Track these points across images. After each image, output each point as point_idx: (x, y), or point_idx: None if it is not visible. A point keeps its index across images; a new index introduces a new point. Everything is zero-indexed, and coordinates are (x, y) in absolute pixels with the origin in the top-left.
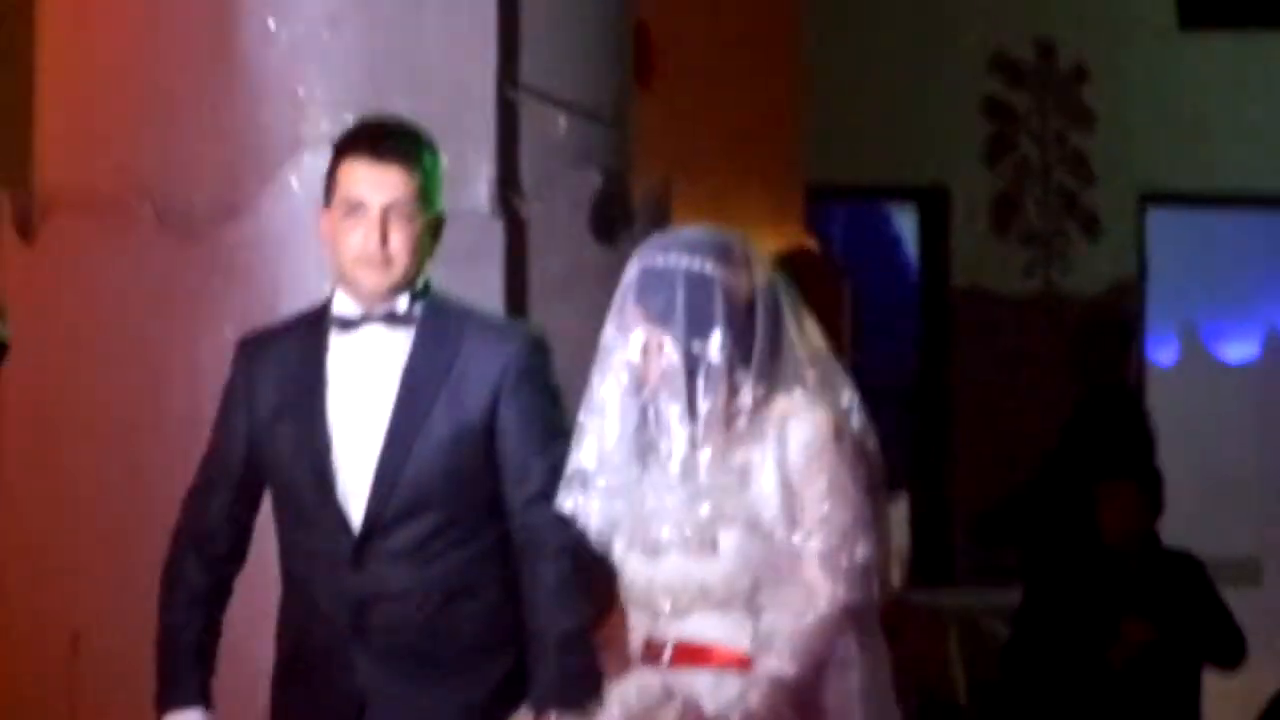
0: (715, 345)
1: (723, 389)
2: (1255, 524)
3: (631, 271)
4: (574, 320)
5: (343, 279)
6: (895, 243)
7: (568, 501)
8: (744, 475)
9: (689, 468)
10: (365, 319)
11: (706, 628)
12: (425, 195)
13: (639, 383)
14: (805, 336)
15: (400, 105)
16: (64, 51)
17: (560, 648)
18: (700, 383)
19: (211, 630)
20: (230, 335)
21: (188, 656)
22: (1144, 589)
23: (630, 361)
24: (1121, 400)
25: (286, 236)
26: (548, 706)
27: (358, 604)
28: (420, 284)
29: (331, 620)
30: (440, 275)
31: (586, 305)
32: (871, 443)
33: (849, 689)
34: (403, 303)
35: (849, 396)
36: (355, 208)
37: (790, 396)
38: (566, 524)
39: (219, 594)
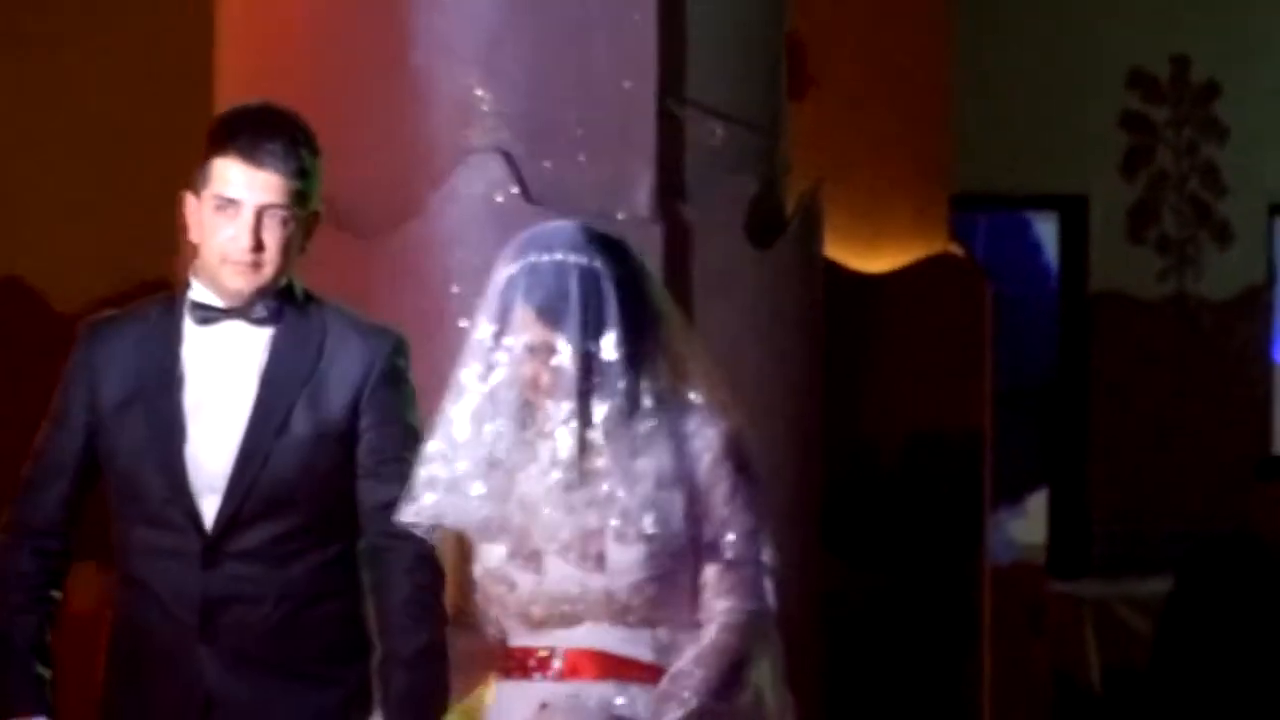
0: (611, 346)
1: (619, 392)
2: None
3: (513, 268)
4: (730, 318)
5: (205, 272)
6: (1035, 249)
7: (428, 498)
8: (638, 482)
9: (577, 474)
10: (226, 314)
11: (600, 638)
12: (302, 196)
13: (526, 385)
14: (694, 346)
15: (565, 114)
16: (243, 66)
17: (413, 664)
18: (595, 385)
19: (49, 630)
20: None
21: (28, 661)
22: None
23: (515, 361)
24: None
25: (454, 238)
26: None
27: (207, 605)
28: (284, 281)
29: (178, 620)
30: None
31: (741, 305)
32: (756, 464)
33: (754, 691)
34: (267, 304)
35: (738, 415)
36: (227, 205)
37: (686, 404)
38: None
39: (55, 591)
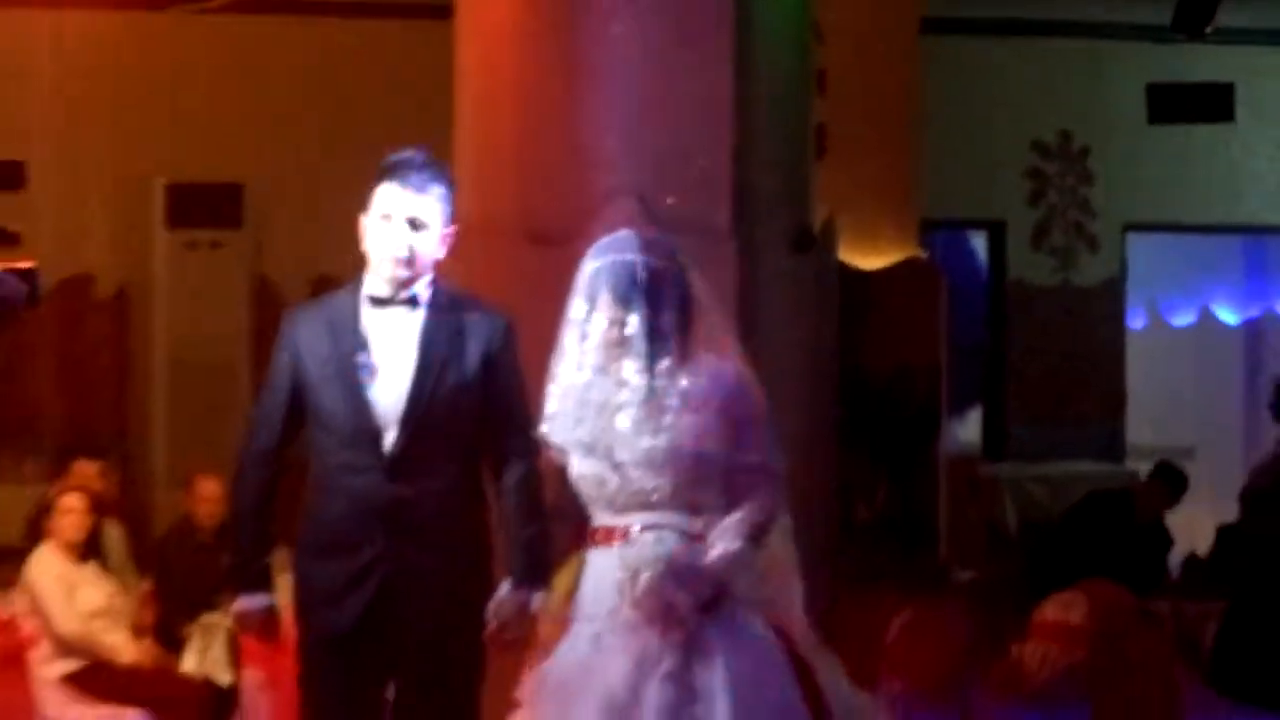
0: (664, 318)
1: (670, 350)
2: None
3: (597, 264)
4: (778, 301)
5: (373, 269)
6: (972, 255)
7: (545, 426)
8: (685, 413)
9: (645, 408)
10: (391, 300)
11: (662, 517)
12: (437, 213)
13: (608, 346)
14: (710, 316)
15: (672, 167)
16: (472, 112)
17: (528, 546)
18: (655, 345)
19: (269, 526)
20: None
21: (256, 551)
22: None
23: (600, 330)
24: None
25: None
26: (524, 585)
27: (388, 503)
28: (429, 275)
29: (365, 514)
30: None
31: (785, 292)
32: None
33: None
34: (417, 292)
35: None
36: (386, 218)
37: (709, 354)
38: (534, 450)
39: (271, 498)
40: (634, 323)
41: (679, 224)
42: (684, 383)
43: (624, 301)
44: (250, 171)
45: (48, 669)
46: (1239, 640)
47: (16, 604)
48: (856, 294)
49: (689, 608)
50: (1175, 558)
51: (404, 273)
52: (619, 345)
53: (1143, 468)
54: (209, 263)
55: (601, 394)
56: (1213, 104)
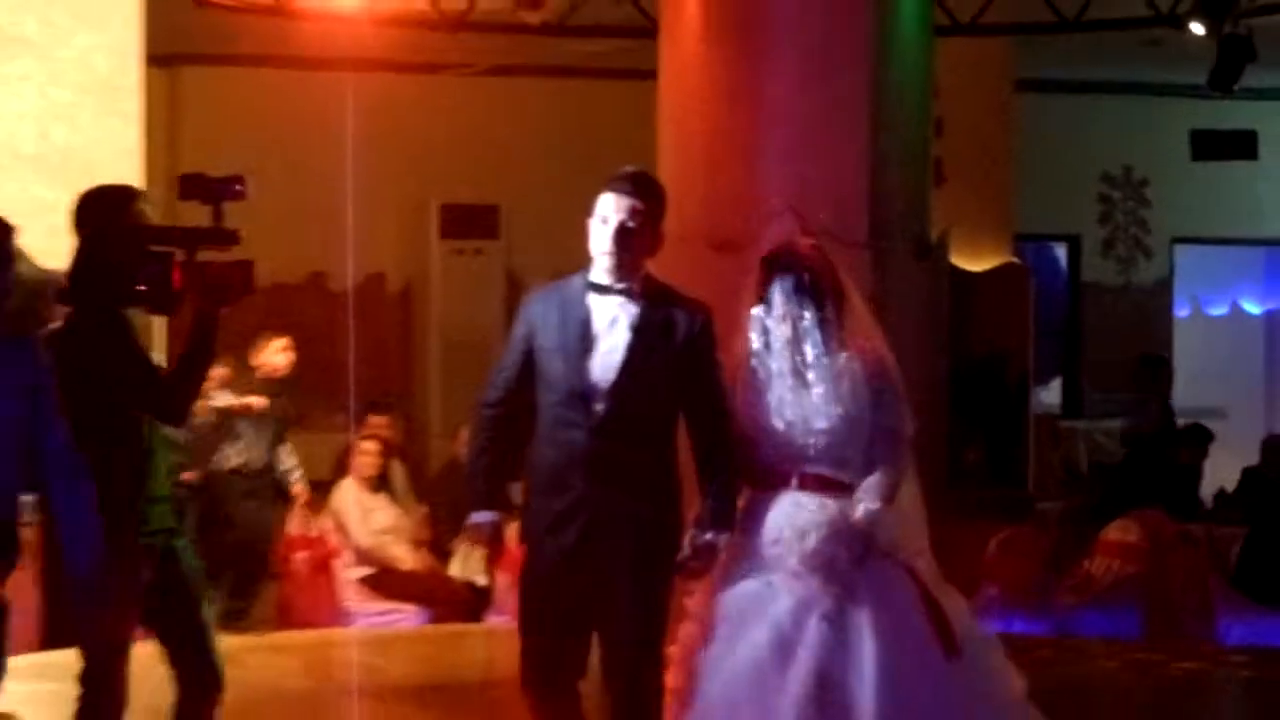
0: (831, 309)
1: (833, 337)
2: None
3: (775, 272)
4: (905, 296)
5: (595, 263)
6: (1055, 262)
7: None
8: (842, 380)
9: (819, 381)
10: (609, 289)
11: (819, 468)
12: (644, 216)
13: (787, 336)
14: (856, 307)
15: (821, 187)
16: (670, 146)
17: (719, 495)
18: (821, 334)
19: (503, 460)
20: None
21: (487, 476)
22: None
23: (777, 323)
24: None
25: None
26: (713, 528)
27: (592, 455)
28: (641, 270)
29: (573, 462)
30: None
31: (909, 289)
32: (898, 378)
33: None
34: (631, 284)
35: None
36: (603, 220)
37: (857, 337)
38: (726, 418)
39: (500, 439)
40: (808, 317)
41: (827, 235)
42: (843, 360)
43: (796, 299)
44: (505, 194)
45: (348, 573)
46: (1258, 556)
47: (325, 524)
48: (965, 291)
49: (846, 563)
50: (1209, 492)
51: (615, 265)
52: (795, 333)
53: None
54: (472, 265)
55: (783, 369)
56: (1241, 145)
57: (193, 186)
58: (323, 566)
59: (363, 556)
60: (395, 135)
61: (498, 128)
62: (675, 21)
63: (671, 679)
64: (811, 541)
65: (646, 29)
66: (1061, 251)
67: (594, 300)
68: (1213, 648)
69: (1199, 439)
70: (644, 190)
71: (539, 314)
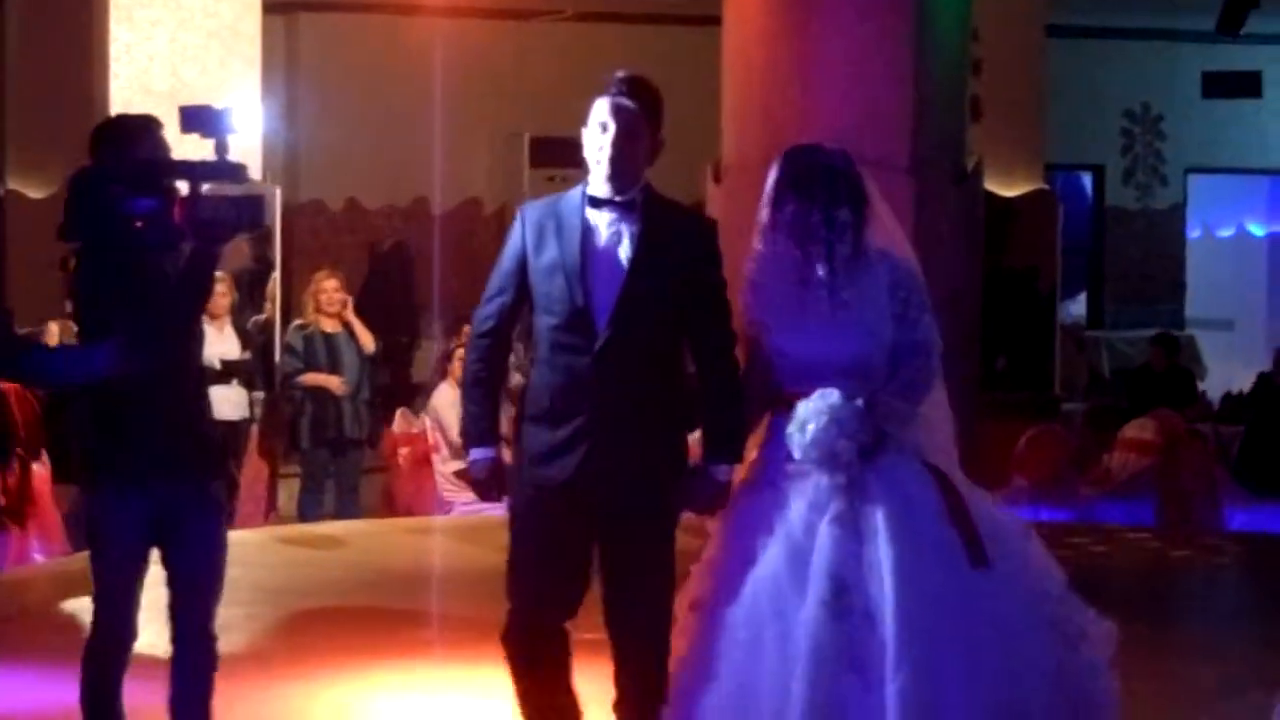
0: (844, 213)
1: (849, 238)
2: None
3: (787, 164)
4: (942, 217)
5: (592, 172)
6: (1081, 187)
7: (743, 304)
8: (863, 293)
9: (828, 289)
10: (608, 202)
11: (838, 384)
12: (645, 121)
13: (795, 234)
14: (882, 213)
15: (868, 116)
16: (731, 85)
17: (723, 423)
18: (833, 234)
19: (495, 392)
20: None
21: (482, 408)
22: None
23: (788, 221)
24: None
25: None
26: (715, 460)
27: (598, 378)
28: (642, 180)
29: (580, 386)
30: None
31: (947, 211)
32: (925, 291)
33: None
34: (630, 195)
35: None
36: (603, 127)
37: (881, 245)
38: (732, 340)
39: (498, 368)
40: (822, 218)
41: (873, 162)
42: (861, 267)
43: (808, 195)
44: None
45: (444, 467)
46: (1255, 451)
47: (425, 422)
48: (1000, 214)
49: (851, 454)
50: (1216, 395)
51: (615, 174)
52: (804, 233)
53: (1198, 334)
54: (560, 190)
55: (792, 275)
56: (1247, 85)
57: (194, 119)
58: (423, 460)
59: (457, 451)
60: (490, 75)
61: (582, 67)
62: None
63: (693, 594)
64: (810, 431)
65: None
66: (1087, 179)
67: (593, 214)
68: (1216, 535)
69: (1166, 347)
70: (640, 94)
71: (533, 230)
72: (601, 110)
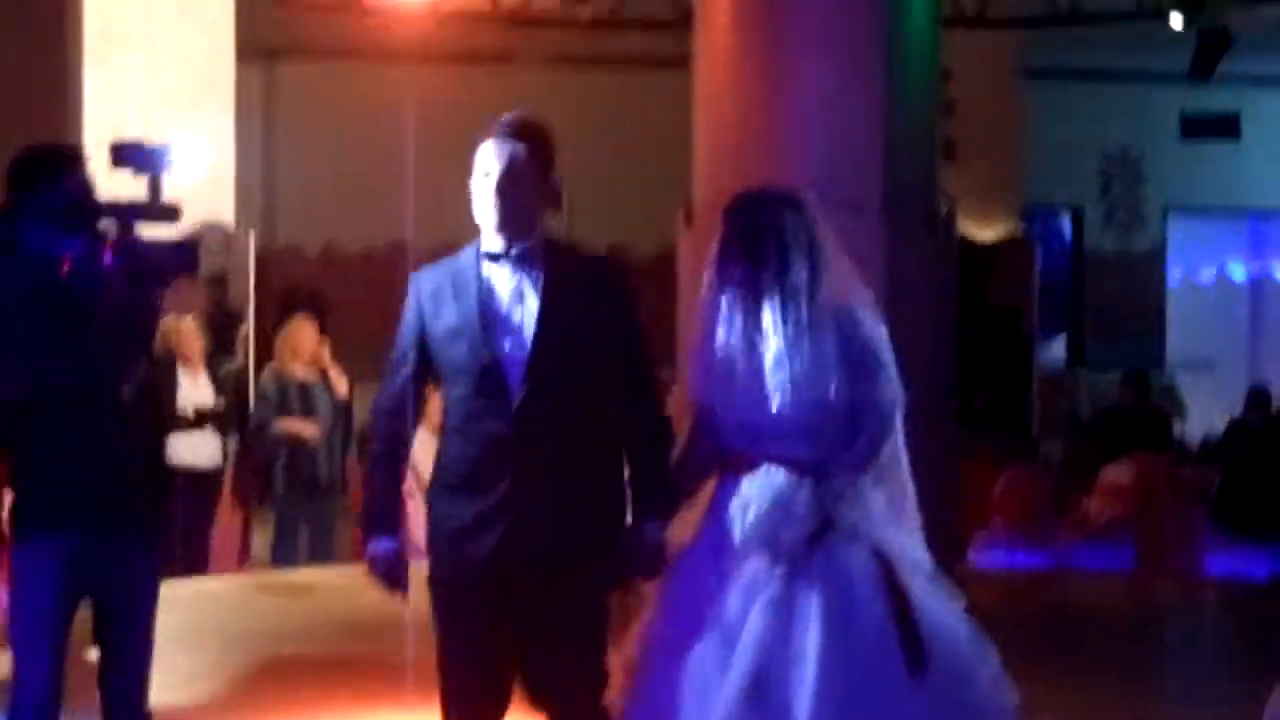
0: (797, 273)
1: (802, 300)
2: None
3: (737, 222)
4: (914, 265)
5: (485, 226)
6: (1060, 231)
7: (688, 369)
8: (814, 358)
9: (779, 356)
10: (504, 255)
11: (783, 448)
12: (534, 163)
13: (745, 296)
14: (837, 262)
15: (838, 158)
16: (704, 126)
17: (651, 479)
18: (786, 297)
19: (399, 473)
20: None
21: (386, 495)
22: None
23: (738, 283)
24: None
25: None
26: (646, 518)
27: (519, 442)
28: (539, 228)
29: (501, 452)
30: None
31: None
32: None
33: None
34: (530, 244)
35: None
36: (486, 173)
37: (835, 301)
38: (657, 389)
39: (402, 446)
40: (768, 277)
41: (842, 205)
42: (813, 330)
43: (758, 257)
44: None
45: (419, 513)
46: (1232, 494)
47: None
48: (977, 257)
49: (794, 540)
50: (1197, 434)
51: (505, 224)
52: (754, 297)
53: (1178, 374)
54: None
55: (740, 340)
56: (1225, 126)
57: (126, 155)
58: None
59: None
60: (463, 121)
61: (557, 112)
62: (707, 11)
63: (627, 654)
64: (753, 513)
65: (685, 22)
66: (1067, 221)
67: (491, 271)
68: (1195, 580)
69: (1137, 385)
70: (527, 134)
71: (429, 295)
72: (484, 156)
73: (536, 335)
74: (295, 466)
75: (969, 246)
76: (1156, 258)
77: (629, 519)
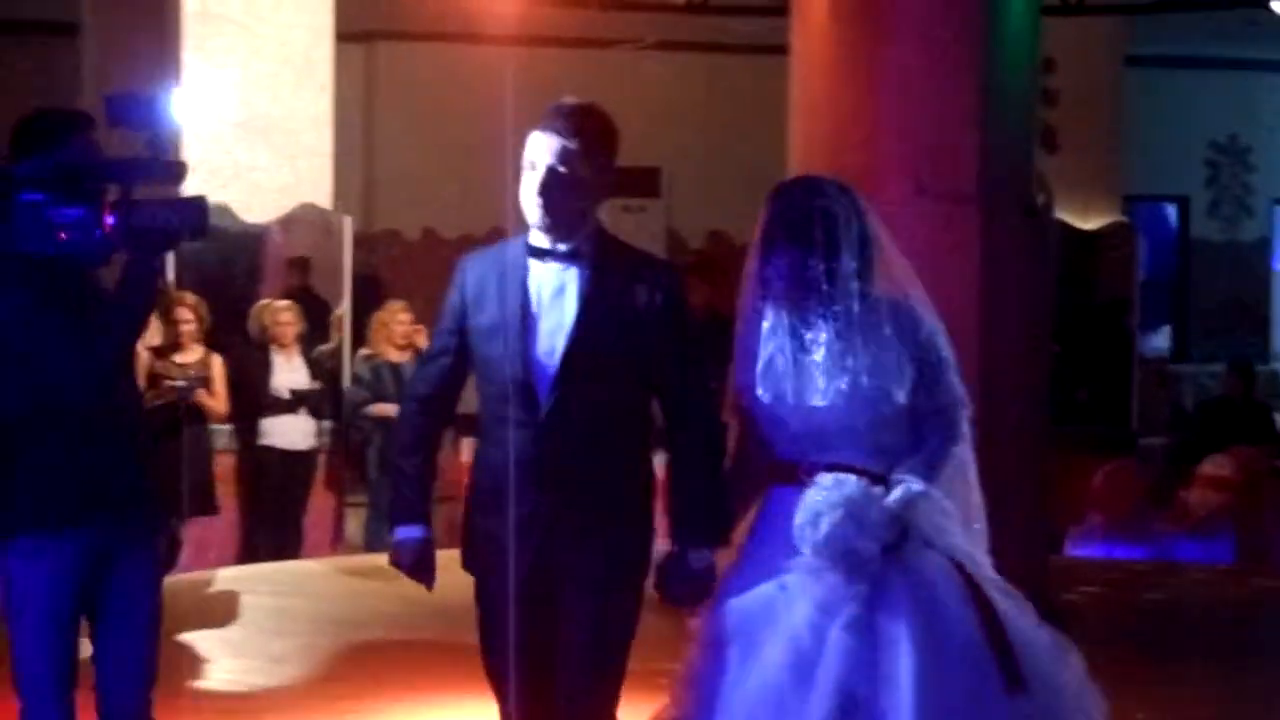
0: (846, 262)
1: (853, 291)
2: None
3: (777, 208)
4: (1013, 249)
5: (531, 220)
6: (1165, 219)
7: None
8: (870, 356)
9: (830, 349)
10: (550, 253)
11: (841, 457)
12: (584, 157)
13: (790, 288)
14: (890, 257)
15: (935, 148)
16: (800, 117)
17: (703, 502)
18: (834, 288)
19: (430, 466)
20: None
21: (414, 485)
22: None
23: (783, 274)
24: None
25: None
26: (695, 545)
27: (542, 455)
28: (589, 225)
29: (523, 465)
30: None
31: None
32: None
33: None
34: (579, 243)
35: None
36: (531, 165)
37: (892, 296)
38: (712, 402)
39: (434, 436)
40: (814, 265)
41: (940, 193)
42: (867, 327)
43: (805, 242)
44: (666, 158)
45: None
46: None
47: None
48: (1081, 247)
49: (871, 554)
50: None
51: (550, 221)
52: (801, 286)
53: None
54: (636, 220)
55: (787, 335)
56: None
57: (120, 109)
58: None
59: None
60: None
61: (659, 97)
62: (805, 1)
63: (672, 714)
64: (825, 526)
65: (782, 7)
66: (1173, 211)
67: (536, 268)
68: None
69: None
70: (579, 125)
71: (473, 286)
72: (532, 147)
73: (570, 342)
74: (389, 450)
75: (1072, 238)
76: (1263, 248)
77: (662, 537)
